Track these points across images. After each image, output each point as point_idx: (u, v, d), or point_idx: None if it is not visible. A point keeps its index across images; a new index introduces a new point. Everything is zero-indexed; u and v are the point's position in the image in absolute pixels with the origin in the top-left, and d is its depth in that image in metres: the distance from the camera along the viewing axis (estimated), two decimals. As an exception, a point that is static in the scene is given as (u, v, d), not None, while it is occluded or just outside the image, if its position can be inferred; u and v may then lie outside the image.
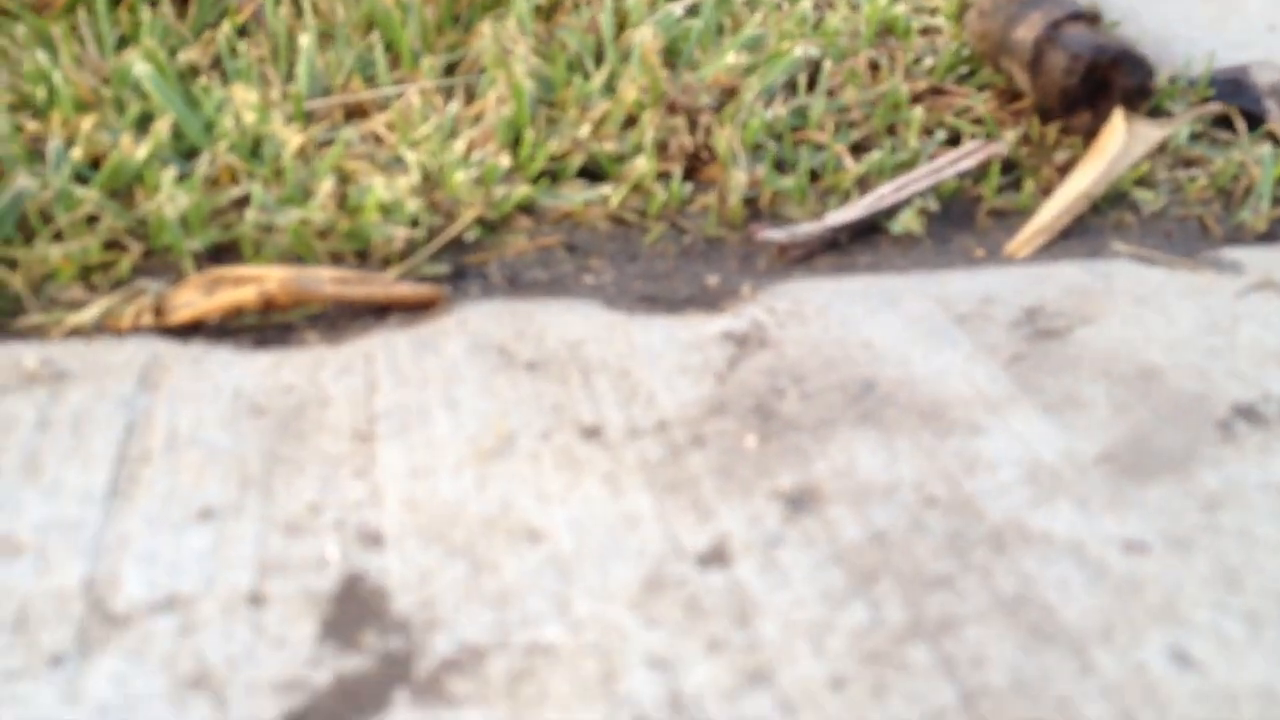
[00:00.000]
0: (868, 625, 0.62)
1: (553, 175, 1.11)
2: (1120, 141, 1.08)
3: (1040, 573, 0.66)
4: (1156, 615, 0.63)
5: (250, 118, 1.10)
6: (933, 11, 1.36)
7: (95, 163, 1.07)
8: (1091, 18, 1.14)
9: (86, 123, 1.08)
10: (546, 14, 1.36)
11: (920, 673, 0.59)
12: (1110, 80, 1.11)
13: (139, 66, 1.12)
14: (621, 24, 1.33)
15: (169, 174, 1.01)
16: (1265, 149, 1.11)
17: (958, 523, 0.70)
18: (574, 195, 1.07)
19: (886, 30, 1.32)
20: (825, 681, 0.59)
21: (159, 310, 0.92)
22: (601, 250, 1.04)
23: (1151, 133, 1.10)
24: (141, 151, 1.05)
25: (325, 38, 1.30)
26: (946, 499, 0.72)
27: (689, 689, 0.58)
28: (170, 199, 1.00)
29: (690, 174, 1.13)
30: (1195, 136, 1.17)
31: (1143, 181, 1.10)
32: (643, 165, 1.09)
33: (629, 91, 1.15)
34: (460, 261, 1.02)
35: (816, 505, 0.71)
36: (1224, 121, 1.20)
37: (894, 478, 0.74)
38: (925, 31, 1.33)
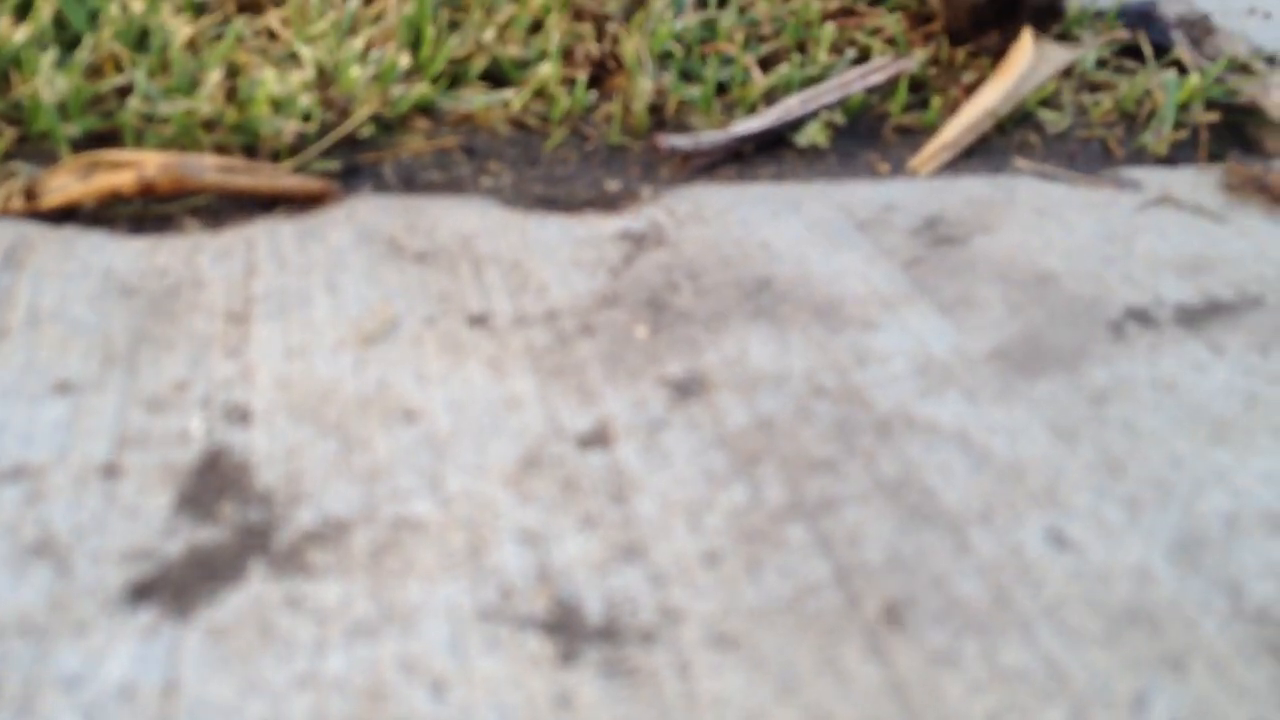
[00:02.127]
0: (747, 505, 0.61)
1: (454, 78, 1.08)
2: (1027, 60, 1.07)
3: (924, 458, 0.65)
4: (1037, 500, 0.62)
5: (138, 7, 1.05)
6: (850, -67, 1.34)
7: (-31, 45, 1.02)
8: (1005, -62, 1.13)
9: (-40, 4, 1.02)
10: (456, -80, 1.32)
11: (796, 550, 0.58)
12: (1020, 1, 1.10)
13: (19, -51, 1.06)
14: (533, -67, 1.29)
15: (48, 58, 0.96)
16: (1170, 75, 1.11)
17: (845, 411, 0.69)
18: (475, 98, 1.04)
19: (803, -50, 1.30)
20: (699, 557, 0.57)
21: (30, 194, 0.88)
22: (501, 154, 1.02)
23: (1059, 54, 1.09)
24: (20, 35, 0.99)
25: (223, -66, 1.25)
26: (836, 389, 0.71)
27: (558, 562, 0.57)
28: (48, 83, 0.95)
29: (596, 82, 1.10)
30: (1102, 63, 1.17)
31: (1048, 102, 1.10)
32: (547, 71, 1.06)
33: (536, -5, 1.12)
34: (353, 159, 0.98)
35: (704, 392, 0.70)
36: (1132, 51, 1.20)
37: (784, 368, 0.72)
38: (841, -48, 1.31)
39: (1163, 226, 0.91)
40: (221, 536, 0.57)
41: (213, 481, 0.60)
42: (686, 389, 0.70)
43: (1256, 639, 0.54)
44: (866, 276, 0.83)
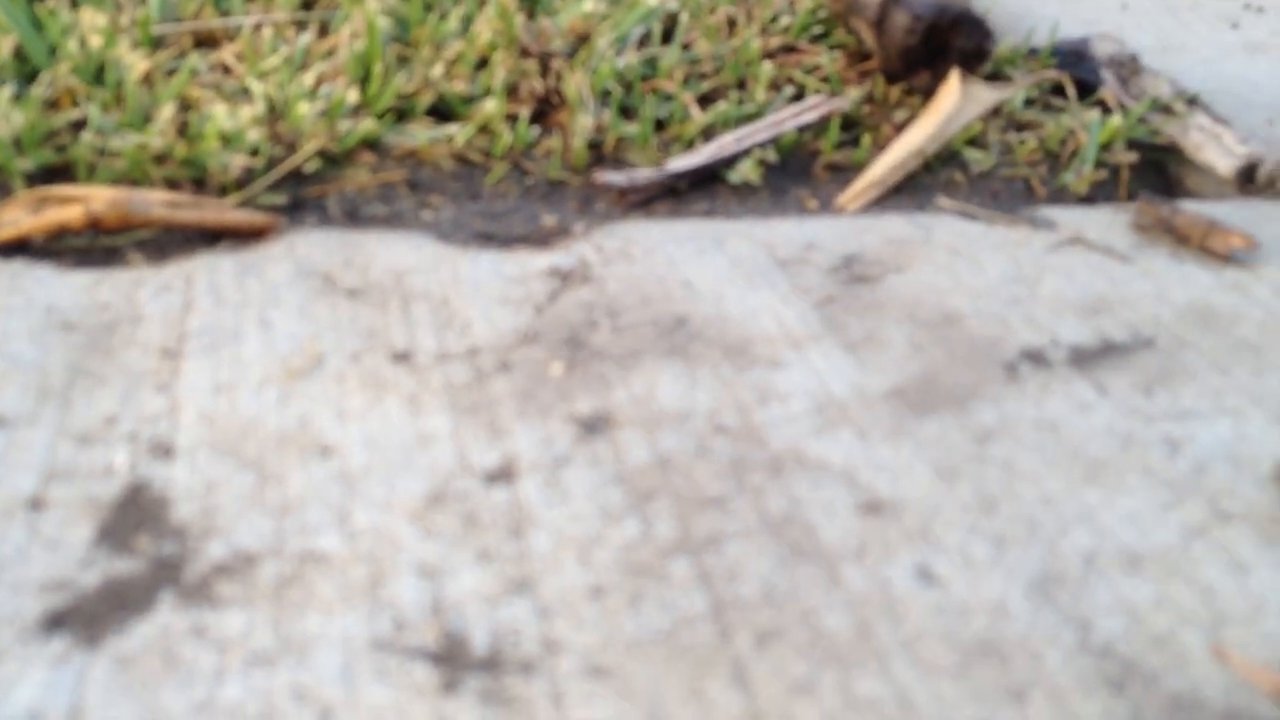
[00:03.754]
0: (637, 540, 0.65)
1: (401, 113, 1.12)
2: (954, 101, 1.11)
3: (810, 496, 0.69)
4: (910, 537, 0.66)
5: (96, 41, 1.09)
6: (795, -30, 1.38)
7: (-70, 80, 1.06)
8: (937, -19, 1.17)
9: (-77, 39, 1.06)
10: (413, -46, 1.36)
11: (678, 584, 0.62)
12: (949, 42, 1.14)
13: (-19, -15, 1.10)
14: (487, -33, 1.33)
15: (5, 93, 1.00)
16: (1094, 115, 1.15)
17: (742, 449, 0.73)
18: (420, 133, 1.08)
19: (749, -14, 1.34)
20: (585, 591, 0.61)
21: (-18, 228, 0.92)
22: (443, 188, 1.05)
23: (986, 94, 1.13)
24: (-22, 70, 1.03)
25: (184, -33, 1.28)
26: (735, 427, 0.75)
27: (452, 595, 0.60)
28: (4, 118, 0.99)
29: (539, 118, 1.14)
30: (1031, 102, 1.21)
31: (974, 142, 1.14)
32: (492, 107, 1.10)
33: (483, 33, 1.16)
34: (299, 194, 1.02)
35: (609, 429, 0.74)
36: (1063, 89, 1.24)
37: (689, 406, 0.76)
38: (786, -10, 1.36)
39: (1070, 267, 0.95)
40: (136, 568, 0.61)
41: (132, 515, 0.64)
42: (593, 426, 0.74)
43: (1097, 672, 0.58)
44: (779, 315, 0.87)
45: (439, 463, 0.70)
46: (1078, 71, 1.24)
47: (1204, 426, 0.77)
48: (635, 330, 0.84)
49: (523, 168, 1.09)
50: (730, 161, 1.09)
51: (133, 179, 1.00)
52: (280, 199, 1.00)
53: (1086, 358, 0.84)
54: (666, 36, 1.25)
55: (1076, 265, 0.96)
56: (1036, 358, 0.83)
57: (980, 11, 1.15)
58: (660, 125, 1.15)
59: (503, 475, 0.69)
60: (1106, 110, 1.19)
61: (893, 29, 1.14)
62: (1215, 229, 0.97)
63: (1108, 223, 1.03)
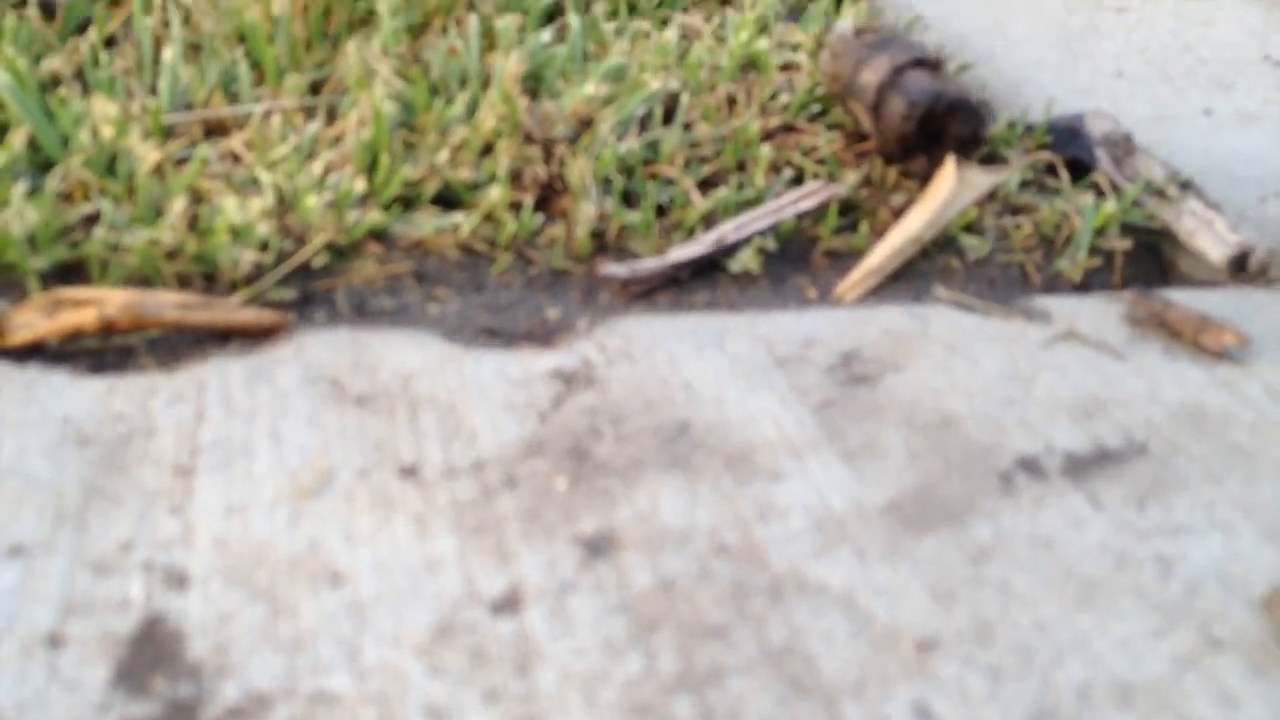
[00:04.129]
0: (641, 676, 0.66)
1: (407, 201, 1.14)
2: (950, 188, 1.13)
3: (810, 624, 0.70)
4: (908, 669, 0.68)
5: (108, 132, 1.11)
6: (795, 47, 1.40)
7: (-56, 175, 1.07)
8: (934, 64, 1.19)
9: (-63, 133, 1.08)
10: (417, 31, 1.38)
11: (681, 722, 0.64)
12: (945, 128, 1.16)
13: (-3, 76, 1.12)
14: (491, 45, 1.35)
15: (20, 189, 1.02)
16: (1088, 199, 1.17)
17: (743, 571, 0.74)
18: (426, 223, 1.10)
19: (749, 64, 1.36)
20: (591, 730, 0.63)
21: (-2, 331, 0.94)
22: (449, 279, 1.07)
23: (982, 180, 1.15)
24: (-7, 164, 1.05)
25: (194, 49, 1.31)
26: (737, 547, 0.76)
27: (462, 736, 0.62)
28: (19, 215, 1.01)
29: (542, 204, 1.16)
30: (1026, 184, 1.23)
31: (971, 228, 1.16)
32: (496, 195, 1.12)
33: (488, 120, 1.18)
34: (308, 287, 1.04)
35: (613, 551, 0.75)
36: (1058, 168, 1.26)
37: (691, 524, 0.78)
38: (785, 67, 1.38)
39: (1064, 364, 0.97)
40: (153, 713, 0.62)
41: (148, 652, 0.66)
42: (597, 548, 0.76)
43: (1089, 818, 0.60)
44: (779, 420, 0.89)
45: (446, 590, 0.72)
46: (1072, 150, 1.26)
47: (1196, 543, 0.79)
48: (638, 439, 0.86)
49: (527, 256, 1.11)
50: (730, 250, 1.11)
51: (145, 275, 1.02)
52: (289, 293, 1.02)
53: (1081, 466, 0.85)
54: (668, 116, 1.27)
55: (1070, 362, 0.97)
56: (1032, 467, 0.85)
57: (975, 98, 1.17)
58: (662, 210, 1.17)
59: (509, 604, 0.71)
60: (1100, 193, 1.21)
61: (889, 115, 1.16)
62: (1208, 325, 0.98)
63: (1101, 314, 1.04)
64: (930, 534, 0.78)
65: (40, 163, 1.12)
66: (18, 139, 1.09)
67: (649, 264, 1.07)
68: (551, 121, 1.19)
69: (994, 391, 0.93)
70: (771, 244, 1.12)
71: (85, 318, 0.94)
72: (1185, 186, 1.18)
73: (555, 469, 0.82)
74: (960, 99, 1.15)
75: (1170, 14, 1.74)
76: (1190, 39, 1.66)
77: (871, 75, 1.18)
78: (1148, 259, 1.18)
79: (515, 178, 1.16)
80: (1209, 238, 1.12)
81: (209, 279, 1.03)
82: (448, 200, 1.15)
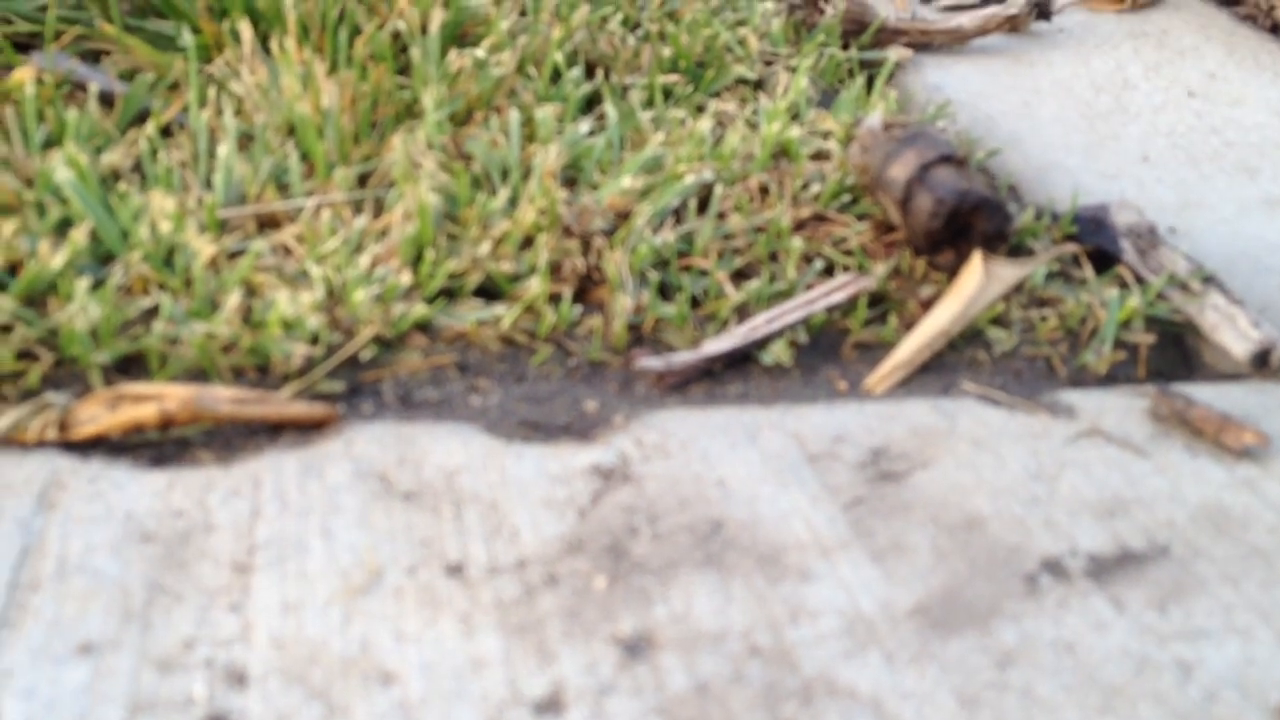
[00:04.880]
0: (676, 778, 0.69)
1: (450, 293, 1.18)
2: (977, 283, 1.16)
3: (839, 729, 0.73)
4: (934, 775, 0.71)
5: (166, 226, 1.16)
6: (825, 135, 1.44)
7: (13, 268, 1.13)
8: (961, 160, 1.23)
9: (7, 228, 1.13)
10: (460, 119, 1.43)
11: (716, 828, 0.67)
12: (972, 224, 1.19)
13: (60, 172, 1.17)
14: (532, 135, 1.40)
15: (83, 284, 1.07)
16: (1113, 292, 1.20)
17: (775, 674, 0.77)
18: (469, 315, 1.14)
19: (781, 153, 1.41)
20: (630, 835, 0.66)
21: (64, 425, 0.98)
22: (490, 370, 1.11)
23: (1008, 273, 1.19)
24: (59, 259, 1.10)
25: (246, 139, 1.36)
26: (769, 649, 0.79)
27: (507, 840, 0.65)
28: (82, 310, 1.06)
29: (580, 295, 1.20)
30: (1051, 275, 1.26)
31: (998, 321, 1.19)
32: (536, 287, 1.16)
33: (527, 213, 1.22)
34: (356, 379, 1.08)
35: (651, 652, 0.79)
36: (1082, 260, 1.29)
37: (725, 625, 0.81)
38: (817, 156, 1.42)
39: (1088, 461, 1.00)
40: (216, 812, 0.66)
41: (211, 752, 0.70)
42: (635, 649, 0.79)
43: None
44: (810, 519, 0.92)
45: (491, 691, 0.75)
46: (1097, 240, 1.29)
47: (1214, 648, 0.81)
48: (673, 537, 0.89)
49: (565, 348, 1.15)
50: (763, 343, 1.14)
51: (201, 368, 1.06)
52: (338, 386, 1.06)
53: (1104, 568, 0.88)
54: (702, 206, 1.32)
55: (1094, 460, 1.00)
56: (1056, 568, 0.88)
57: (999, 198, 1.20)
58: (695, 302, 1.21)
59: (551, 706, 0.74)
60: (1124, 285, 1.24)
61: (917, 211, 1.20)
62: (1229, 425, 1.01)
63: (1125, 410, 1.07)
64: (956, 637, 0.81)
65: (101, 256, 1.17)
66: (80, 234, 1.15)
67: (683, 357, 1.11)
68: (590, 215, 1.23)
69: (1019, 490, 0.96)
70: (803, 336, 1.16)
71: (146, 413, 0.98)
72: (1208, 280, 1.21)
73: (594, 567, 0.86)
74: (986, 198, 1.18)
75: (1197, 94, 1.78)
76: (1216, 121, 1.69)
77: (900, 170, 1.22)
78: (1172, 349, 1.21)
79: (554, 270, 1.20)
80: (1231, 333, 1.15)
81: (262, 370, 1.08)
82: (489, 291, 1.20)
